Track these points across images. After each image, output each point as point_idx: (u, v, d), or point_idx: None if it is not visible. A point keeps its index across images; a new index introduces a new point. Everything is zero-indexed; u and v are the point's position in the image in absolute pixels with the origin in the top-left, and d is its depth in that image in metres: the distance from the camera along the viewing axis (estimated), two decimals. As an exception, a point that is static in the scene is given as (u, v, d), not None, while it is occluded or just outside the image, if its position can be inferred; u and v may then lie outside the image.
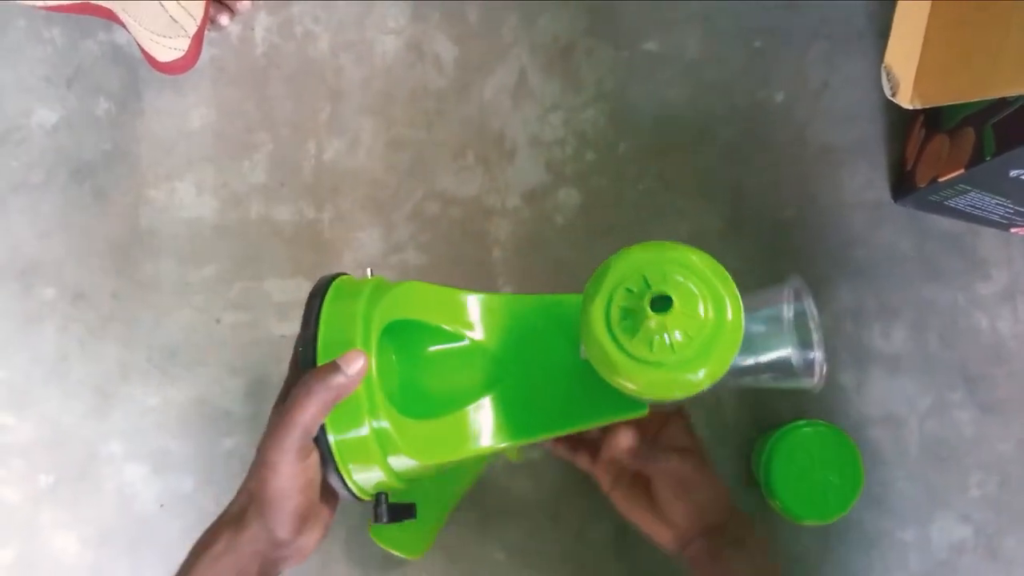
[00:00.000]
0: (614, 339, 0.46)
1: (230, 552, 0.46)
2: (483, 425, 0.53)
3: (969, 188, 0.65)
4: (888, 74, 0.56)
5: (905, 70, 0.56)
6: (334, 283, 0.52)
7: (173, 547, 0.74)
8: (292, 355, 0.54)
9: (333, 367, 0.45)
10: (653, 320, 0.45)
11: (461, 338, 0.55)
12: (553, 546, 0.73)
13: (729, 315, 0.46)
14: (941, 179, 0.65)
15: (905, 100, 0.56)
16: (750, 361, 0.51)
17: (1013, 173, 0.59)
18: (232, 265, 0.76)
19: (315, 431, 0.46)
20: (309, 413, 0.45)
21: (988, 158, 0.59)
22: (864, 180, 0.75)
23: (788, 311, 0.50)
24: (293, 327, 0.76)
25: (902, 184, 0.74)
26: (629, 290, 0.46)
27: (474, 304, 0.56)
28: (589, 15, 0.77)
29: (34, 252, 0.77)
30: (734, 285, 0.48)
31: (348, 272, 0.56)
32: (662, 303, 0.45)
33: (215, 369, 0.76)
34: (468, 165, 0.76)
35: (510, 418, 0.54)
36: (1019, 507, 0.72)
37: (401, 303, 0.53)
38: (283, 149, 0.77)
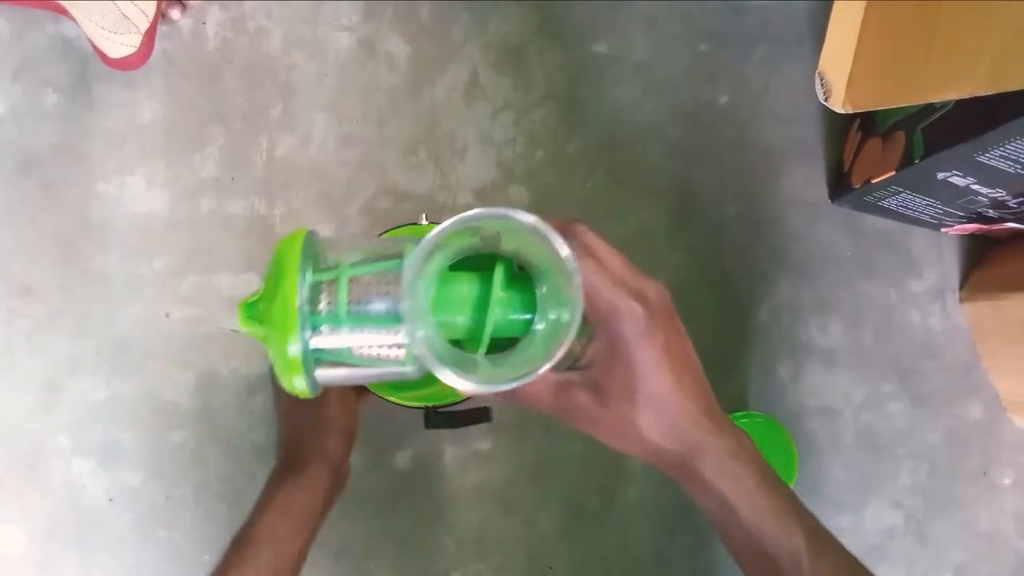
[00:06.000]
0: None
1: (300, 490, 0.57)
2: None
3: (900, 189, 0.68)
4: (822, 79, 0.58)
5: (838, 76, 0.58)
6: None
7: (122, 540, 0.74)
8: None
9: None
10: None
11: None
12: (504, 535, 0.75)
13: None
14: (874, 180, 0.68)
15: (837, 104, 0.58)
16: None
17: (940, 175, 0.62)
18: (183, 259, 0.76)
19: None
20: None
21: (917, 161, 0.62)
22: (803, 180, 0.77)
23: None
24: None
25: (839, 185, 0.76)
26: None
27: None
28: (539, 16, 0.78)
29: (-20, 245, 0.76)
30: None
31: None
32: None
33: (165, 363, 0.76)
34: (420, 162, 0.77)
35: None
36: (947, 494, 0.76)
37: None
38: (235, 144, 0.77)
